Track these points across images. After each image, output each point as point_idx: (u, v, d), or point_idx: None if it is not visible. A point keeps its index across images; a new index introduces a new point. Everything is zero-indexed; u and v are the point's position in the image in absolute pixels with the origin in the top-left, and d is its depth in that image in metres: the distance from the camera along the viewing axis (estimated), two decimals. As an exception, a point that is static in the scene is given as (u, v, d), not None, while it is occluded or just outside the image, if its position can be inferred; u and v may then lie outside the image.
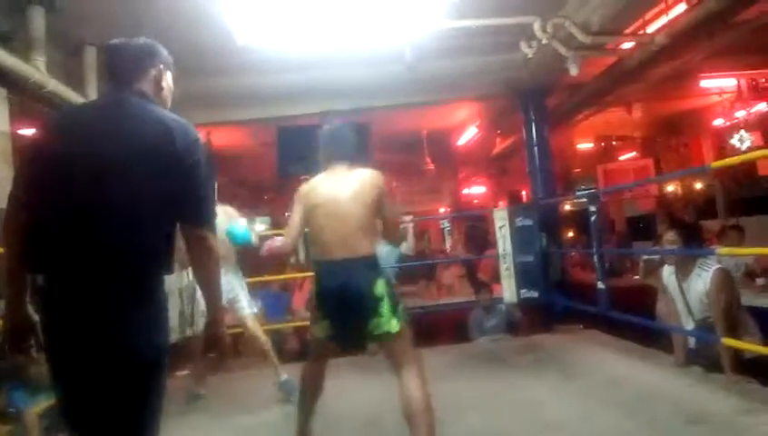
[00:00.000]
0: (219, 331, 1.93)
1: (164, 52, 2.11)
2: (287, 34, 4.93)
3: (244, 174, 11.47)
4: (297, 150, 7.16)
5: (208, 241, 1.85)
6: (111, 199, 1.75)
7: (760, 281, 5.80)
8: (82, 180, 1.75)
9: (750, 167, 8.61)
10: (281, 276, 8.12)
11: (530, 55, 5.41)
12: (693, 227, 4.35)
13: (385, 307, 2.67)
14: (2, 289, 1.88)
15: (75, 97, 4.84)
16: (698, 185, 11.01)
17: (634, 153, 11.50)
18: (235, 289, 4.44)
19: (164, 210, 1.80)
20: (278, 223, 15.25)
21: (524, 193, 12.64)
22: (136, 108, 1.88)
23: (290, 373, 5.11)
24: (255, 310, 4.70)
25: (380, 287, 2.68)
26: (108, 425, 1.73)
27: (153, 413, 1.79)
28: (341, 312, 2.73)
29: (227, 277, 4.09)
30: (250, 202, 13.49)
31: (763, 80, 6.83)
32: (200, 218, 1.85)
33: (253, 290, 7.73)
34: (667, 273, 4.17)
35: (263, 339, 4.42)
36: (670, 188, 11.28)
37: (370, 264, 2.74)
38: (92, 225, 1.73)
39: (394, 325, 2.67)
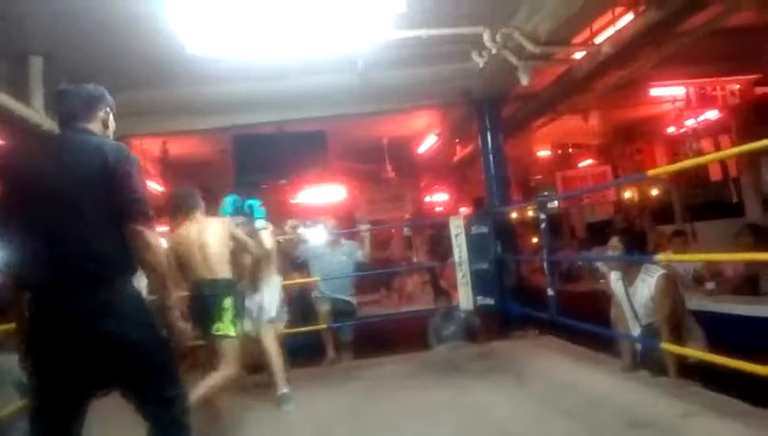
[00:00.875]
0: (170, 318, 2.26)
1: (109, 96, 2.51)
2: (236, 43, 4.87)
3: (209, 181, 11.31)
4: (254, 158, 7.12)
5: (144, 234, 2.19)
6: (66, 217, 2.15)
7: (709, 285, 5.93)
8: (43, 208, 2.16)
9: (703, 173, 8.82)
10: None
11: (481, 65, 5.47)
12: (635, 234, 4.44)
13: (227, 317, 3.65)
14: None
15: (18, 107, 4.73)
16: (654, 191, 11.25)
17: (591, 161, 11.69)
18: (266, 298, 4.53)
19: (110, 216, 2.18)
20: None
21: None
22: (81, 141, 2.28)
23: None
24: (281, 323, 4.70)
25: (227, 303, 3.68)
26: (138, 395, 2.20)
27: (164, 377, 2.24)
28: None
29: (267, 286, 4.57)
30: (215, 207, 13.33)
31: (709, 88, 7.01)
32: (136, 215, 2.19)
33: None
34: (614, 279, 4.24)
35: (275, 353, 4.37)
36: (627, 194, 11.50)
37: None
38: (58, 247, 2.12)
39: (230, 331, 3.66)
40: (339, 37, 4.90)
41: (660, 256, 3.98)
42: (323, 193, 10.67)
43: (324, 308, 6.03)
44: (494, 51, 5.06)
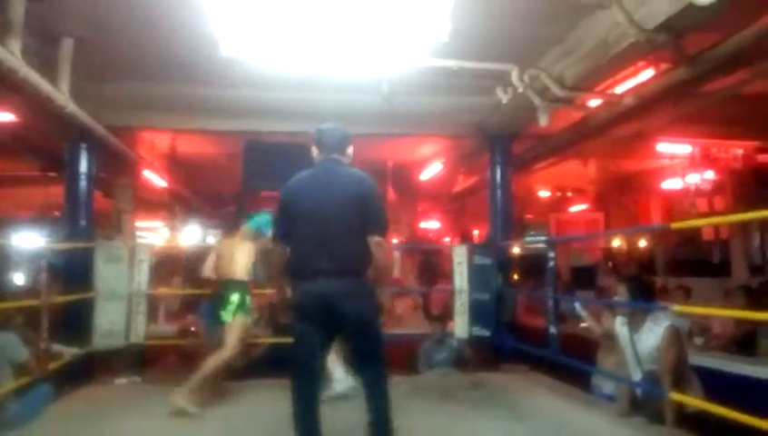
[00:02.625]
0: (383, 300, 3.30)
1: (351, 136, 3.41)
2: (272, 52, 4.95)
3: (204, 185, 11.30)
4: (264, 165, 7.15)
5: (382, 244, 3.15)
6: (337, 227, 3.08)
7: (698, 340, 6.08)
8: (319, 215, 3.08)
9: (696, 231, 9.04)
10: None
11: (504, 101, 5.58)
12: (645, 282, 4.53)
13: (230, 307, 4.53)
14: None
15: (46, 87, 4.72)
16: (642, 243, 11.47)
17: (585, 206, 11.91)
18: None
19: (362, 227, 3.10)
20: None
21: (476, 232, 12.90)
22: (339, 169, 3.24)
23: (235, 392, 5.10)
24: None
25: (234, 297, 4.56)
26: (363, 351, 3.17)
27: (379, 340, 3.21)
28: None
29: None
30: (206, 213, 13.28)
31: (715, 150, 7.24)
32: (379, 230, 3.14)
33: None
34: (619, 324, 4.32)
35: None
36: (616, 243, 11.70)
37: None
38: (327, 244, 3.05)
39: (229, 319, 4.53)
40: (371, 59, 5.00)
41: (677, 307, 4.06)
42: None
43: None
44: (520, 89, 5.18)
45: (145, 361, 6.30)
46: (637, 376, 4.14)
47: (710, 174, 8.24)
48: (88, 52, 5.30)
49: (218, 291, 4.78)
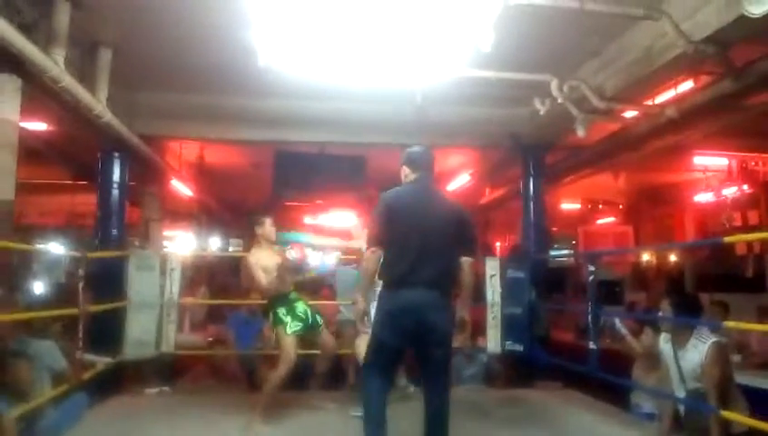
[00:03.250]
0: (465, 318, 3.44)
1: None
2: (307, 61, 4.92)
3: (230, 194, 11.34)
4: (294, 175, 7.14)
5: (471, 264, 3.42)
6: (438, 241, 3.26)
7: (736, 357, 5.91)
8: (422, 229, 3.25)
9: (729, 245, 8.84)
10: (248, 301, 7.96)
11: (542, 112, 5.51)
12: (690, 297, 4.42)
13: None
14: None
15: (86, 97, 4.74)
16: (672, 257, 11.27)
17: (612, 218, 11.75)
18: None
19: (457, 247, 3.34)
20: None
21: (497, 244, 12.74)
22: (437, 190, 3.60)
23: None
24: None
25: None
26: (443, 362, 3.28)
27: (451, 357, 3.48)
28: None
29: None
30: (228, 222, 13.31)
31: (753, 163, 7.10)
32: (470, 253, 3.43)
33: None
34: (663, 341, 4.21)
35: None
36: (645, 257, 11.51)
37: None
38: (425, 258, 3.20)
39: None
40: (409, 69, 4.96)
41: (730, 323, 3.94)
42: (345, 218, 10.65)
43: (350, 332, 5.95)
44: (559, 100, 5.10)
45: (175, 371, 6.27)
46: (681, 394, 4.02)
47: (745, 188, 8.08)
48: (125, 61, 5.34)
49: (273, 302, 4.46)
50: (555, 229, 13.49)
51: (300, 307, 4.41)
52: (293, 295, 4.48)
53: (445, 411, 3.25)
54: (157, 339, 5.73)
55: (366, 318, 3.43)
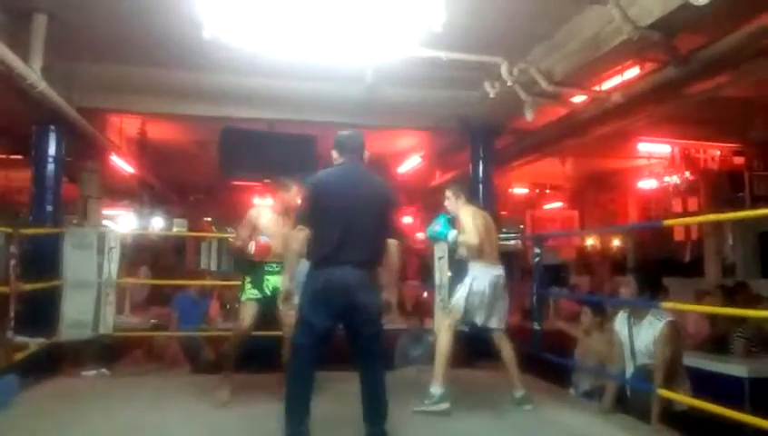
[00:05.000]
0: (390, 295, 3.68)
1: None
2: (255, 35, 4.78)
3: (174, 173, 11.01)
4: (242, 154, 6.96)
5: (395, 245, 3.48)
6: (365, 222, 3.31)
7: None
8: (350, 210, 3.30)
9: (668, 231, 9.14)
10: (199, 282, 7.81)
11: (492, 95, 5.52)
12: (654, 275, 4.57)
13: None
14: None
15: (18, 64, 4.48)
16: (615, 242, 11.59)
17: (560, 203, 11.97)
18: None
19: (384, 227, 3.41)
20: (196, 227, 14.78)
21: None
22: (365, 172, 3.52)
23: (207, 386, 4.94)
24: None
25: None
26: (371, 340, 3.32)
27: (382, 335, 3.45)
28: None
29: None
30: (173, 202, 12.98)
31: (693, 150, 7.32)
32: (396, 234, 3.55)
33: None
34: (619, 320, 4.30)
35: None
36: (590, 241, 11.80)
37: None
38: (351, 238, 3.24)
39: None
40: (359, 47, 4.88)
41: (666, 304, 4.05)
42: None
43: None
44: (509, 83, 5.12)
45: (115, 353, 6.08)
46: (630, 370, 4.13)
47: (686, 175, 8.35)
48: (62, 30, 5.06)
49: (246, 269, 4.50)
50: (504, 213, 13.71)
51: (272, 281, 4.35)
52: (273, 268, 4.36)
53: (381, 387, 3.31)
54: (95, 320, 5.53)
55: (292, 298, 3.43)
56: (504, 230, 14.07)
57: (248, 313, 4.35)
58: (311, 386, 3.28)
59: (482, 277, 4.39)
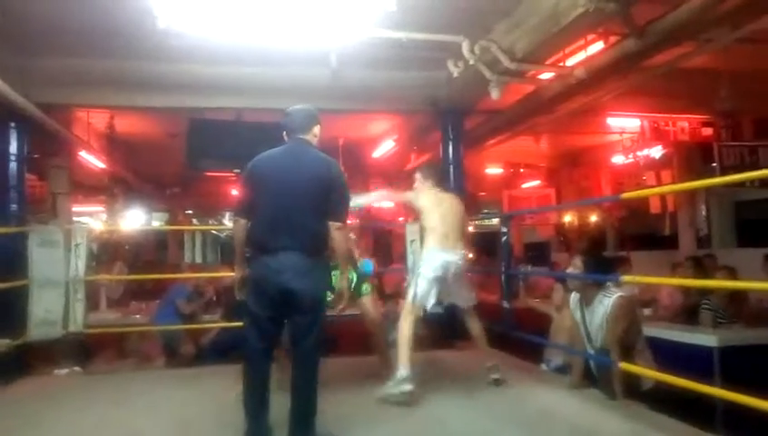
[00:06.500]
0: (342, 284, 3.44)
1: (319, 115, 3.45)
2: (212, 23, 4.71)
3: (146, 166, 10.88)
4: (208, 144, 6.88)
5: (342, 230, 3.26)
6: (298, 205, 3.14)
7: (646, 311, 6.17)
8: (281, 193, 3.15)
9: (643, 205, 9.19)
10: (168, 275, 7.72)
11: (456, 75, 5.49)
12: (601, 255, 4.55)
13: None
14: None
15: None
16: (593, 218, 11.64)
17: (537, 182, 12.00)
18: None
19: (324, 210, 3.19)
20: (176, 221, 14.67)
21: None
22: (307, 151, 3.29)
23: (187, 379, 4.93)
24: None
25: None
26: (305, 330, 3.14)
27: (321, 322, 3.20)
28: None
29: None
30: (150, 196, 12.85)
31: (663, 123, 7.34)
32: (341, 216, 3.26)
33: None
34: (574, 299, 4.31)
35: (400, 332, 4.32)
36: (567, 218, 11.84)
37: None
38: (286, 222, 3.12)
39: None
40: (318, 30, 4.83)
41: (626, 277, 4.07)
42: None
43: None
44: (471, 62, 5.08)
45: (87, 350, 6.02)
46: (590, 349, 4.14)
47: (658, 148, 8.38)
48: (15, 24, 4.96)
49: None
50: (483, 194, 13.72)
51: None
52: None
53: (308, 386, 3.13)
54: (64, 318, 5.46)
55: (244, 287, 3.34)
56: (486, 210, 14.19)
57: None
58: (265, 378, 3.17)
59: (432, 261, 4.31)
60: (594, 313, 4.09)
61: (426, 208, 4.37)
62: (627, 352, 3.90)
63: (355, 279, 4.43)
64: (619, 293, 4.02)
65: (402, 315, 4.34)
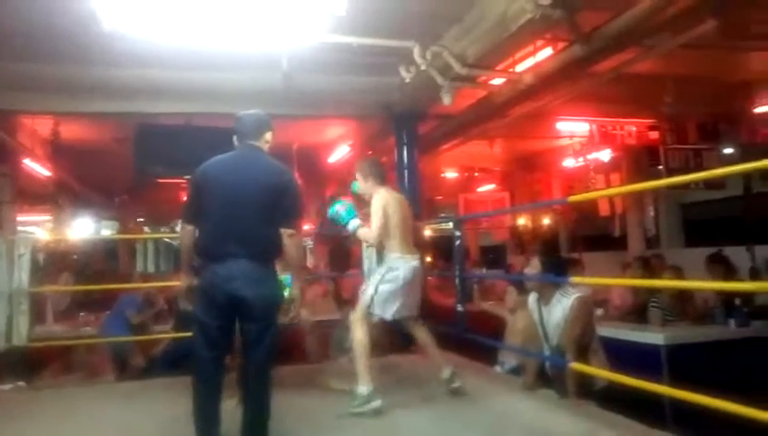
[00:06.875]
0: (296, 292, 3.40)
1: (272, 121, 3.36)
2: (159, 27, 4.61)
3: (94, 174, 10.58)
4: (157, 150, 6.73)
5: (294, 237, 3.17)
6: (248, 211, 3.07)
7: (598, 311, 6.29)
8: (231, 199, 3.07)
9: (593, 207, 9.40)
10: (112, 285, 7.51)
11: (408, 80, 5.52)
12: (557, 256, 4.61)
13: None
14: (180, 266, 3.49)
15: None
16: (546, 220, 11.86)
17: (493, 186, 12.15)
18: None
19: (275, 217, 3.12)
20: (127, 229, 14.31)
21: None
22: (258, 157, 3.23)
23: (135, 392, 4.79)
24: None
25: None
26: (257, 338, 3.06)
27: (275, 331, 3.11)
28: None
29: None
30: (99, 204, 12.51)
31: (610, 127, 7.53)
32: (293, 222, 3.19)
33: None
34: (532, 299, 4.36)
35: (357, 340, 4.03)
36: (521, 221, 12.03)
37: None
38: (235, 229, 3.05)
39: None
40: (268, 34, 4.78)
41: (576, 278, 4.13)
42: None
43: None
44: (422, 67, 5.12)
45: (32, 364, 5.80)
46: (547, 350, 4.19)
47: (606, 152, 8.59)
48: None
49: None
50: (439, 197, 13.84)
51: None
52: None
53: (258, 387, 3.08)
54: (7, 331, 5.24)
55: (191, 296, 3.30)
56: (443, 214, 14.29)
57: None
58: (216, 389, 3.07)
59: (399, 269, 4.05)
60: (551, 312, 4.13)
61: (376, 217, 4.01)
62: (583, 352, 3.95)
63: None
64: (577, 294, 4.05)
65: (354, 324, 4.09)
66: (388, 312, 4.05)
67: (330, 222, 4.46)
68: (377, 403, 3.82)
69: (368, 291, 4.11)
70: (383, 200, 4.05)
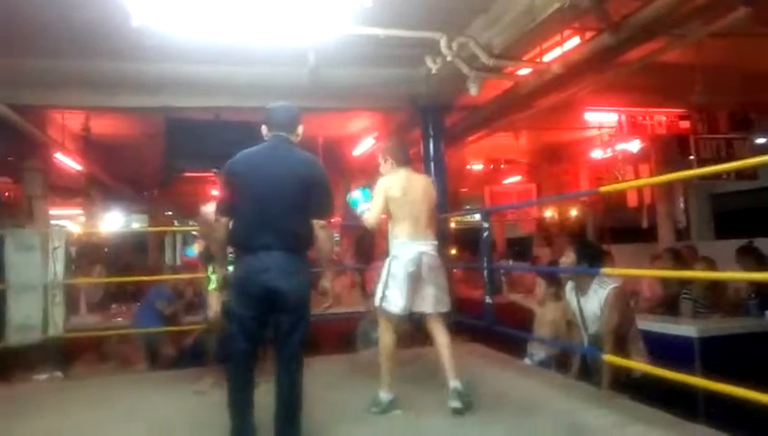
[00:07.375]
0: (325, 282, 3.46)
1: (301, 115, 3.38)
2: (187, 21, 4.66)
3: (124, 168, 10.76)
4: (186, 144, 6.81)
5: (327, 227, 3.24)
6: (280, 203, 3.10)
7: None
8: (263, 191, 3.10)
9: (621, 199, 9.27)
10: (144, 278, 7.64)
11: (434, 71, 5.50)
12: (593, 246, 4.59)
13: None
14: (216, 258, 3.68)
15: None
16: (573, 212, 11.74)
17: (518, 178, 12.07)
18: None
19: (306, 209, 3.16)
20: (156, 222, 14.53)
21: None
22: (290, 150, 3.24)
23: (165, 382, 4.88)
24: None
25: None
26: (289, 329, 3.10)
27: (307, 323, 3.16)
28: None
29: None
30: (129, 198, 12.71)
31: (640, 117, 7.41)
32: (325, 214, 3.25)
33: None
34: (569, 289, 4.34)
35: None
36: (548, 213, 11.92)
37: None
38: (268, 221, 3.07)
39: None
40: (296, 28, 4.80)
41: (606, 269, 4.11)
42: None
43: None
44: (449, 58, 5.10)
45: (67, 354, 5.94)
46: (585, 339, 4.18)
47: (635, 143, 8.46)
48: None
49: None
50: (464, 190, 13.77)
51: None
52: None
53: (293, 390, 3.09)
54: (43, 323, 5.38)
55: (226, 288, 3.35)
56: (468, 206, 14.24)
57: (216, 302, 4.30)
58: (250, 378, 3.15)
59: (401, 256, 3.78)
60: (588, 302, 4.13)
61: (393, 193, 3.81)
62: (621, 341, 3.95)
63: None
64: (614, 284, 4.05)
65: (380, 324, 3.95)
66: (396, 306, 3.77)
67: (350, 209, 4.48)
68: (397, 412, 3.79)
69: (379, 285, 3.89)
70: (386, 182, 3.86)
